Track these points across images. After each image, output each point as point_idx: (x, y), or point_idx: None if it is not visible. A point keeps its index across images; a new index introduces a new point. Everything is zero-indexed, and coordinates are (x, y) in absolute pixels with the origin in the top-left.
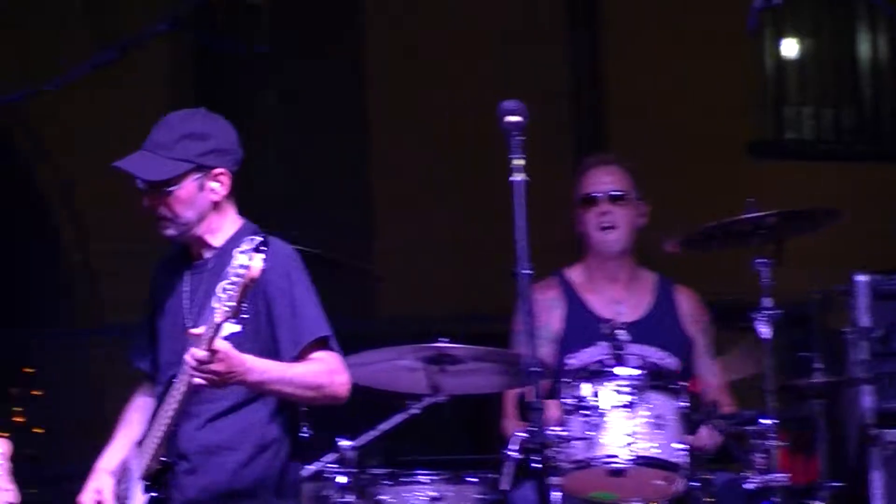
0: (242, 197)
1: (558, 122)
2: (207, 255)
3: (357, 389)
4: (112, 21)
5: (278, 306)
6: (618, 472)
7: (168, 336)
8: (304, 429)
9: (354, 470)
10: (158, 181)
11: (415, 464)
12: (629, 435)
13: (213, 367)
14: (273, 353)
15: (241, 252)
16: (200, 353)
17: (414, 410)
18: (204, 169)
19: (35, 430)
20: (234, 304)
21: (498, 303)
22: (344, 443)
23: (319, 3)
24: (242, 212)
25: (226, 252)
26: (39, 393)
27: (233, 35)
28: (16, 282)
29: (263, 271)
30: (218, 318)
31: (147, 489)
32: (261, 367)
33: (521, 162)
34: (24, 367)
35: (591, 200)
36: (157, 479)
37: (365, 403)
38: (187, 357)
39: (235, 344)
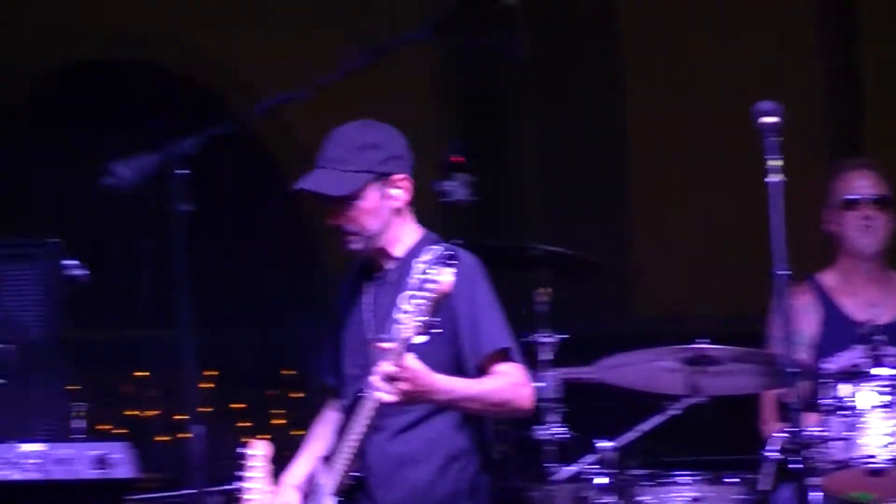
0: (500, 200)
1: (813, 123)
2: (389, 266)
3: (616, 390)
4: (368, 25)
5: (461, 317)
6: (877, 473)
7: (351, 349)
8: (564, 430)
9: (614, 471)
10: (344, 196)
11: (674, 465)
12: (888, 435)
13: (402, 384)
14: (456, 363)
15: (426, 264)
16: (389, 368)
17: (674, 411)
18: (384, 177)
19: (294, 433)
20: (423, 318)
21: (755, 303)
22: (603, 444)
23: (574, 4)
24: (498, 215)
25: (407, 263)
26: (300, 395)
27: (491, 39)
28: (272, 285)
29: (455, 279)
30: (406, 332)
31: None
32: (448, 386)
33: (778, 163)
34: (282, 369)
35: (853, 203)
36: (349, 494)
37: (624, 405)
38: (375, 372)
39: (420, 355)
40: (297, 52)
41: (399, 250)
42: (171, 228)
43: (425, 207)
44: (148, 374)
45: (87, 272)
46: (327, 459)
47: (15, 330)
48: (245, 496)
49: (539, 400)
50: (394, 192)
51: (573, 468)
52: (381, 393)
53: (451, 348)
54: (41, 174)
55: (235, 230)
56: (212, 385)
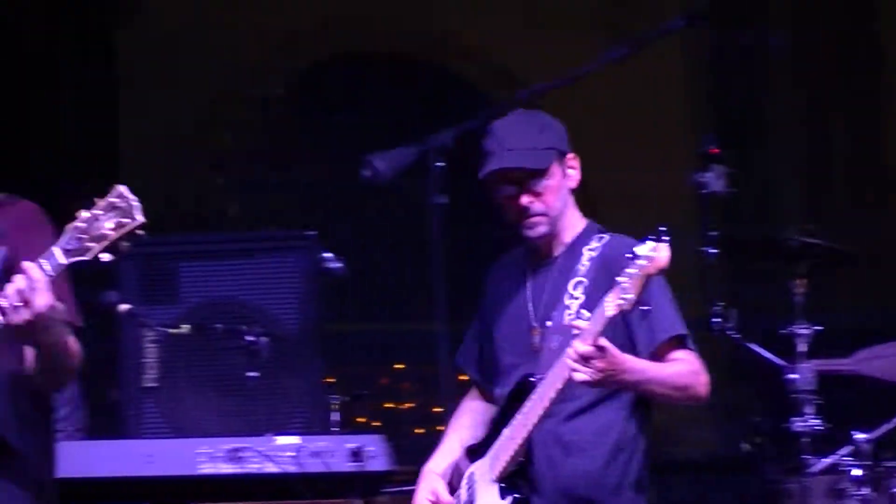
0: (755, 191)
1: None
2: (556, 251)
3: (872, 382)
4: (626, 16)
5: (639, 304)
6: None
7: (511, 338)
8: (819, 422)
9: (870, 462)
10: (540, 170)
11: None
12: None
13: (598, 363)
14: (628, 349)
15: (643, 243)
16: (585, 347)
17: None
18: (563, 155)
19: None
20: (631, 296)
21: None
22: (860, 435)
23: None
24: (753, 206)
25: (575, 249)
26: None
27: (747, 30)
28: None
29: (625, 266)
30: (610, 311)
31: (505, 491)
32: (640, 367)
33: None
34: None
35: None
36: (513, 481)
37: (880, 396)
38: (569, 352)
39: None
40: (555, 42)
41: (568, 237)
42: (428, 221)
43: (682, 199)
44: (404, 366)
45: (343, 265)
46: (478, 448)
47: (271, 322)
48: None
49: (795, 392)
50: (570, 170)
51: (829, 460)
52: (577, 373)
53: (621, 333)
54: (302, 166)
55: (492, 222)
56: (467, 377)
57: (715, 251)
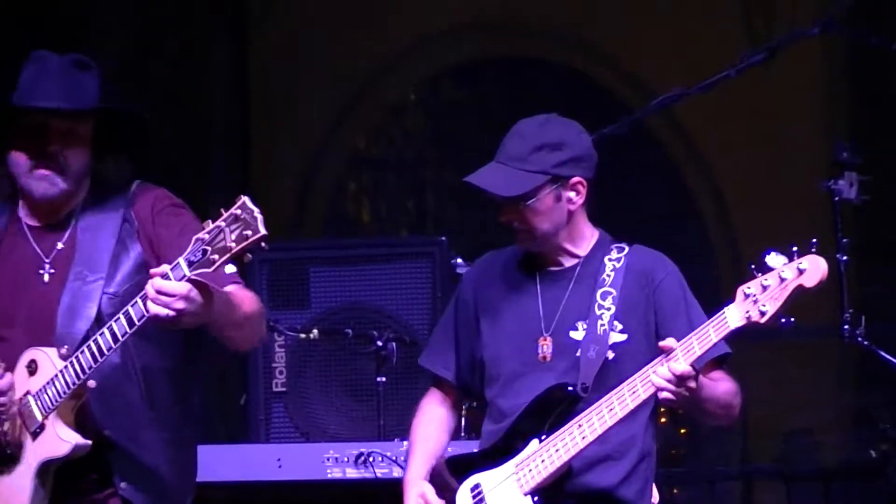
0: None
1: None
2: (567, 262)
3: None
4: (763, 21)
5: (674, 318)
6: None
7: (512, 347)
8: None
9: None
10: (512, 197)
11: None
12: None
13: (690, 383)
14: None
15: (780, 259)
16: (683, 367)
17: None
18: (560, 179)
19: (680, 431)
20: (771, 308)
21: None
22: None
23: None
24: (891, 213)
25: (594, 259)
26: None
27: (888, 32)
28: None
29: (658, 278)
30: (735, 322)
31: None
32: (709, 386)
33: None
34: None
35: None
36: (550, 494)
37: None
38: (662, 371)
39: (622, 353)
40: (691, 48)
41: (581, 248)
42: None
43: (814, 205)
44: None
45: None
46: (472, 458)
47: (401, 327)
48: None
49: None
50: (569, 194)
51: None
52: (665, 392)
53: (651, 347)
54: (433, 171)
55: (624, 229)
56: None
57: (846, 258)
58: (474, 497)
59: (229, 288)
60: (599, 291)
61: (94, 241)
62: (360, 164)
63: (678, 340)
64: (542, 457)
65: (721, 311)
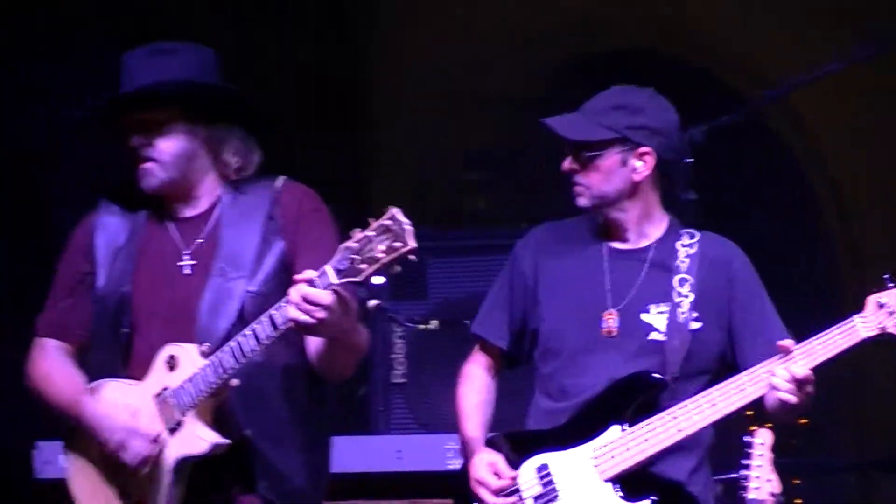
0: None
1: None
2: (639, 242)
3: None
4: (879, 14)
5: (748, 310)
6: None
7: (574, 321)
8: None
9: None
10: (579, 141)
11: None
12: None
13: (809, 387)
14: (728, 354)
15: None
16: (803, 372)
17: None
18: (630, 144)
19: (799, 421)
20: None
21: None
22: None
23: None
24: None
25: (667, 243)
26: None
27: None
28: (780, 276)
29: (735, 268)
30: (865, 332)
31: (630, 494)
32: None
33: None
34: None
35: None
36: (634, 483)
37: None
38: (782, 372)
39: (697, 342)
40: (805, 39)
41: (651, 230)
42: (677, 217)
43: None
44: None
45: None
46: (534, 437)
47: None
48: (749, 484)
49: None
50: (636, 163)
51: None
52: (787, 395)
53: (724, 337)
54: (550, 165)
55: (740, 220)
56: None
57: None
58: (542, 478)
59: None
60: (677, 277)
61: (238, 237)
62: (477, 157)
63: (751, 331)
64: (628, 445)
65: (849, 320)
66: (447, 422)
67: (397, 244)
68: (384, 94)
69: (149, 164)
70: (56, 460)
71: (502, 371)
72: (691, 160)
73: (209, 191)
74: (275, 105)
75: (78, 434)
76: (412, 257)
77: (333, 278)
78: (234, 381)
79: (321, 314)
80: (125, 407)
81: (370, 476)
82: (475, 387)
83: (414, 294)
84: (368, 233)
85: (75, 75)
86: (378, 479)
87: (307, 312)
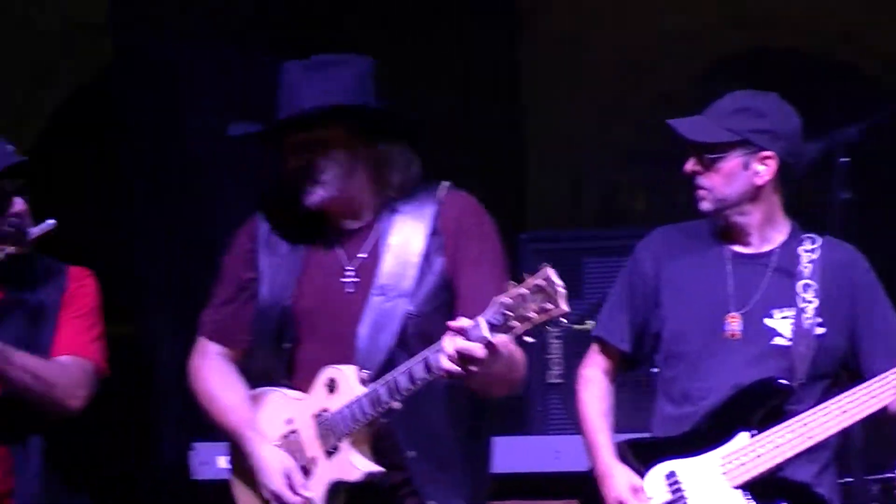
0: None
1: None
2: (762, 246)
3: None
4: None
5: (873, 312)
6: None
7: (696, 323)
8: None
9: None
10: (700, 143)
11: None
12: None
13: None
14: (850, 359)
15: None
16: None
17: None
18: (752, 147)
19: None
20: None
21: None
22: None
23: None
24: None
25: (790, 248)
26: None
27: None
28: None
29: (857, 273)
30: None
31: (762, 498)
32: None
33: None
34: None
35: None
36: (763, 489)
37: None
38: None
39: (820, 348)
40: None
41: (774, 234)
42: (832, 217)
43: None
44: None
45: None
46: (660, 444)
47: None
48: None
49: None
50: (758, 167)
51: None
52: None
53: (846, 343)
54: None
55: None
56: None
57: None
58: (670, 485)
59: (513, 348)
60: (800, 283)
61: (400, 255)
62: (633, 156)
63: (876, 337)
64: (758, 452)
65: None
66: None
67: (549, 306)
68: (541, 93)
69: (308, 184)
70: (213, 461)
71: (620, 374)
72: (847, 159)
73: (372, 204)
74: (429, 105)
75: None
76: (563, 320)
77: (486, 332)
78: (396, 405)
79: (473, 368)
80: (286, 423)
81: (528, 476)
82: (598, 392)
83: (570, 294)
84: (522, 290)
85: (233, 81)
86: (536, 480)
87: (460, 365)
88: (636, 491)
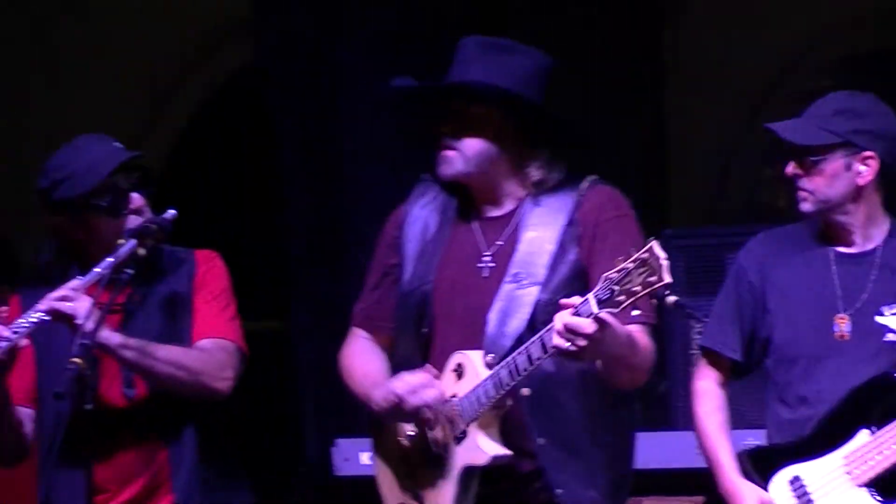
0: None
1: None
2: (865, 245)
3: None
4: None
5: None
6: None
7: (805, 326)
8: None
9: None
10: (800, 145)
11: None
12: None
13: None
14: None
15: None
16: None
17: None
18: (853, 148)
19: None
20: None
21: None
22: None
23: None
24: None
25: (890, 245)
26: None
27: None
28: None
29: None
30: None
31: (889, 494)
32: None
33: None
34: None
35: None
36: (881, 484)
37: None
38: None
39: None
40: None
41: (876, 232)
42: None
43: None
44: None
45: None
46: (780, 450)
47: None
48: None
49: None
50: (861, 167)
51: None
52: None
53: None
54: None
55: None
56: None
57: None
58: (795, 490)
59: (633, 328)
60: None
61: (536, 242)
62: (776, 153)
63: None
64: (880, 449)
65: None
66: (746, 418)
67: (653, 278)
68: (684, 88)
69: (450, 153)
70: (355, 458)
71: (730, 383)
72: None
73: (513, 192)
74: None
75: (380, 432)
76: (667, 293)
77: (594, 308)
78: (525, 391)
79: (582, 342)
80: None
81: (670, 472)
82: (713, 405)
83: (712, 290)
84: (628, 264)
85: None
86: (678, 476)
87: (569, 340)
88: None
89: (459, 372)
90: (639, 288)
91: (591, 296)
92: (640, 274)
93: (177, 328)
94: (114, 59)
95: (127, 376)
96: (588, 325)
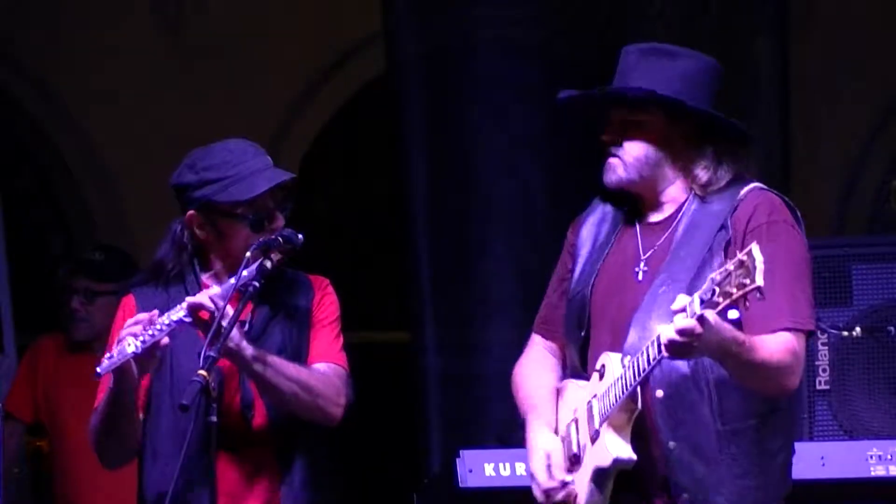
0: None
1: None
2: None
3: None
4: None
5: None
6: None
7: None
8: None
9: None
10: None
11: None
12: None
13: None
14: None
15: None
16: None
17: None
18: None
19: None
20: None
21: None
22: None
23: None
24: None
25: None
26: None
27: None
28: None
29: None
30: None
31: None
32: None
33: None
34: None
35: None
36: None
37: None
38: None
39: None
40: None
41: None
42: None
43: None
44: None
45: None
46: None
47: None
48: None
49: None
50: None
51: None
52: None
53: None
54: None
55: None
56: None
57: None
58: None
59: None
60: None
61: (688, 245)
62: None
63: None
64: None
65: None
66: (870, 428)
67: (746, 280)
68: (811, 95)
69: (613, 160)
70: (480, 469)
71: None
72: None
73: (675, 197)
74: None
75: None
76: (759, 295)
77: (697, 308)
78: (659, 393)
79: (686, 341)
80: (573, 412)
81: (796, 483)
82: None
83: (838, 300)
84: (729, 266)
85: None
86: (801, 486)
87: (679, 341)
88: None
89: (602, 373)
90: (734, 290)
91: (696, 295)
92: (738, 276)
93: (295, 348)
94: (244, 70)
95: (245, 397)
96: (693, 326)
